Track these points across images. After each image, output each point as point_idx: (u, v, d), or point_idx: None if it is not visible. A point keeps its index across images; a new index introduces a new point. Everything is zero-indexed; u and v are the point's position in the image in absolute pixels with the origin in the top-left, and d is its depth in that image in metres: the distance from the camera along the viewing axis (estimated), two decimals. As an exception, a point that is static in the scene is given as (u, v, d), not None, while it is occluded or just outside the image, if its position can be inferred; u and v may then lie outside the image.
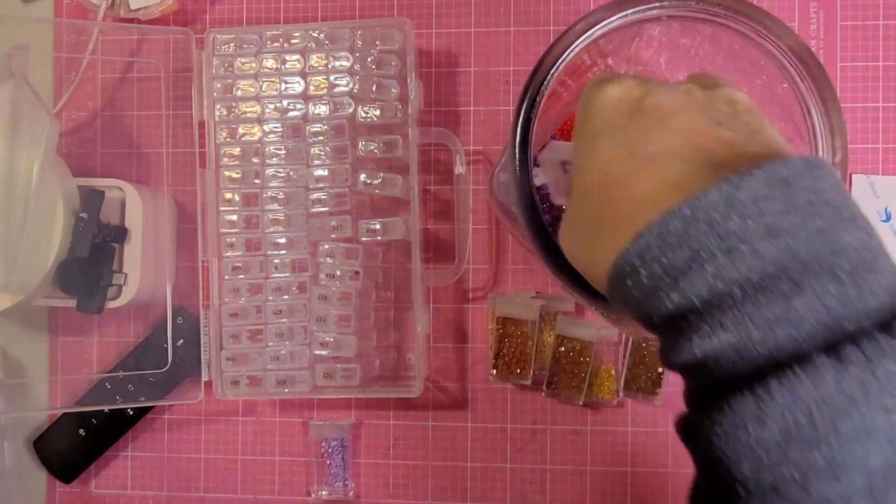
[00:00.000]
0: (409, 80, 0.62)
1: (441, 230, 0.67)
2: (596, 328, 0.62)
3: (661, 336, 0.31)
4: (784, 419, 0.26)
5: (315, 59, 0.63)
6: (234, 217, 0.64)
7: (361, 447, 0.67)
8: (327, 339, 0.63)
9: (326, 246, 0.62)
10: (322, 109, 0.63)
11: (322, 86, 0.63)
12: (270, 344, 0.63)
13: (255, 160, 0.64)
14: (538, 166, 0.56)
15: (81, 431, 0.66)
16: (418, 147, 0.64)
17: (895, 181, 0.63)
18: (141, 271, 0.63)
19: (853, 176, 0.63)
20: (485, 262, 0.66)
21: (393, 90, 0.62)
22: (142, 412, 0.67)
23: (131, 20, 0.66)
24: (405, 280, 0.63)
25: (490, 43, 0.67)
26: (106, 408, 0.66)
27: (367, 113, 0.62)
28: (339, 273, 0.62)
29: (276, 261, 0.63)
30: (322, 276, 0.63)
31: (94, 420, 0.66)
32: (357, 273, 0.62)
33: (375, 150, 0.62)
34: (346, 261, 0.63)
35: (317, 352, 0.63)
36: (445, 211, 0.67)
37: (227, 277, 0.64)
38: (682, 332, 0.29)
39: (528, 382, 0.64)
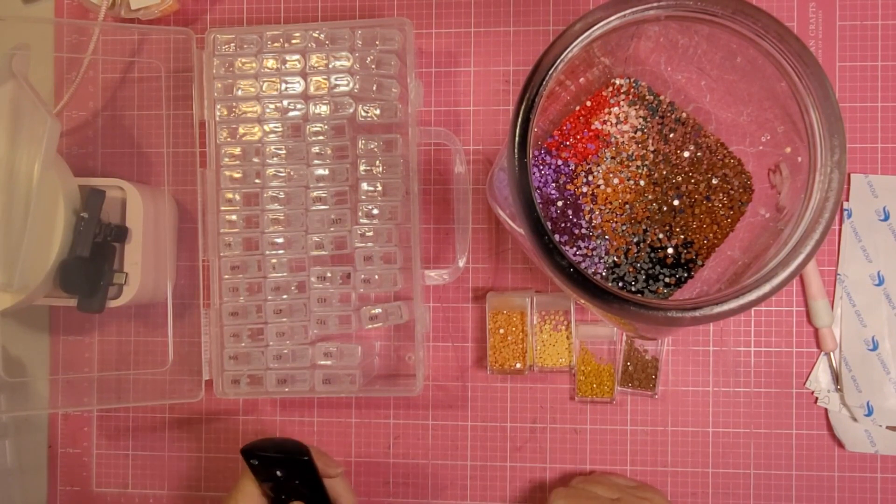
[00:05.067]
0: (409, 80, 0.62)
1: (441, 230, 0.67)
2: (612, 326, 0.63)
3: None
4: None
5: (315, 59, 0.63)
6: (234, 217, 0.64)
7: (362, 445, 0.67)
8: (331, 349, 0.63)
9: (317, 268, 0.63)
10: (322, 109, 0.63)
11: (322, 86, 0.63)
12: (271, 343, 0.64)
13: (256, 160, 0.64)
14: (536, 166, 0.56)
15: None
16: (418, 147, 0.64)
17: (893, 180, 0.63)
18: (142, 270, 0.63)
19: (851, 175, 0.63)
20: (485, 261, 0.66)
21: (393, 90, 0.62)
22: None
23: (132, 20, 0.67)
24: (405, 279, 0.63)
25: (490, 43, 0.67)
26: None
27: (368, 112, 0.62)
28: (329, 275, 0.63)
29: (274, 260, 0.63)
30: (314, 278, 0.63)
31: None
32: (349, 276, 0.62)
33: (375, 150, 0.62)
34: (339, 266, 0.63)
35: (321, 362, 0.63)
36: (445, 211, 0.67)
37: (226, 277, 0.64)
38: None
39: (524, 372, 0.64)
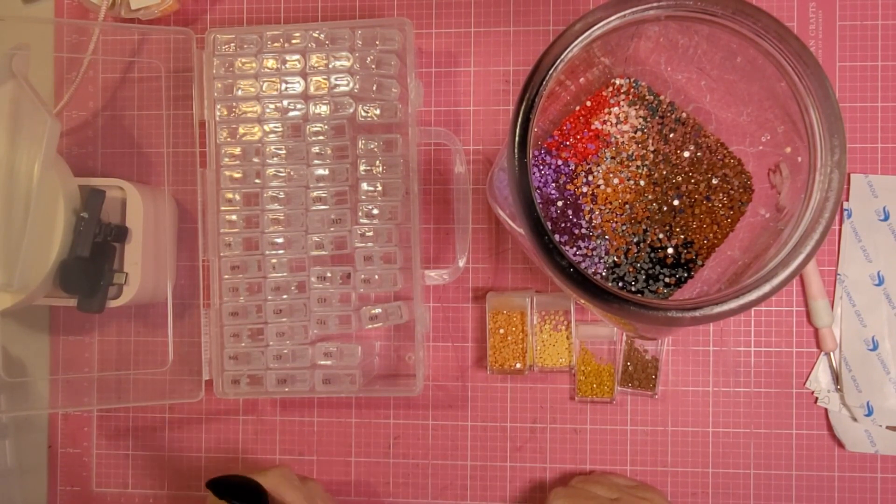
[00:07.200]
0: (409, 80, 0.62)
1: (441, 230, 0.67)
2: (612, 326, 0.63)
3: None
4: None
5: (315, 59, 0.63)
6: (235, 217, 0.64)
7: (362, 445, 0.67)
8: (331, 349, 0.63)
9: (317, 268, 0.63)
10: (322, 109, 0.63)
11: (322, 86, 0.63)
12: (271, 343, 0.64)
13: (256, 160, 0.64)
14: (536, 166, 0.56)
15: None
16: (418, 147, 0.64)
17: (893, 180, 0.63)
18: (142, 270, 0.63)
19: (851, 175, 0.63)
20: (485, 261, 0.66)
21: (393, 90, 0.62)
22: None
23: (132, 20, 0.67)
24: (405, 279, 0.63)
25: (490, 43, 0.67)
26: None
27: (368, 112, 0.62)
28: (329, 275, 0.63)
29: (274, 260, 0.63)
30: (314, 278, 0.63)
31: None
32: (349, 276, 0.62)
33: (375, 150, 0.62)
34: (339, 266, 0.63)
35: (321, 362, 0.63)
36: (445, 211, 0.67)
37: (226, 277, 0.64)
38: None
39: (524, 372, 0.64)
